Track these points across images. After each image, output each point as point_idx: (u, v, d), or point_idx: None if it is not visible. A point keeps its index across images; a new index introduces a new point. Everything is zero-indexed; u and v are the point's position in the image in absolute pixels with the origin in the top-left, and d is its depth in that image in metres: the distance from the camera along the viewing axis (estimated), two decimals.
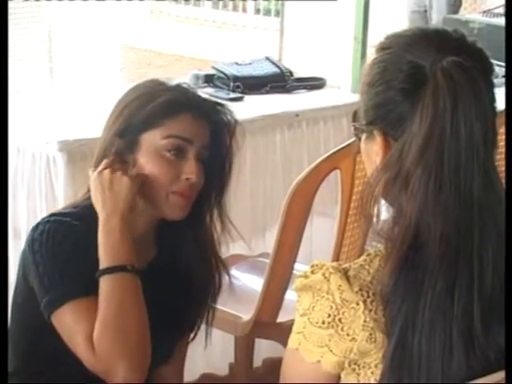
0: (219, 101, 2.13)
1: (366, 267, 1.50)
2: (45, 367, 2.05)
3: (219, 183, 2.07)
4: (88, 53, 8.52)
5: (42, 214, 3.08)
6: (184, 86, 2.08)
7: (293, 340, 1.54)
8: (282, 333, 2.86)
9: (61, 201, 3.06)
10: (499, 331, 1.46)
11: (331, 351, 1.48)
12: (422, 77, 1.47)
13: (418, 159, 1.44)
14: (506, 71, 1.97)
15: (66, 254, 1.91)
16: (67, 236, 1.92)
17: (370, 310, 1.46)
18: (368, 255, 1.52)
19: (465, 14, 6.71)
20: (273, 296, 2.80)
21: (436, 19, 7.04)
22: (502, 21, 5.31)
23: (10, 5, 8.32)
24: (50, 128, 3.31)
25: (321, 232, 3.44)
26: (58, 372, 2.03)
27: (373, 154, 1.55)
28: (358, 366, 1.49)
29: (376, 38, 1.65)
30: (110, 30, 8.80)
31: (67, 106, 3.72)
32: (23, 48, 8.31)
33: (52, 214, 2.01)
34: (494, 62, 3.18)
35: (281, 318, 2.86)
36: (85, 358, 1.87)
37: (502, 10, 5.88)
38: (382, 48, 1.56)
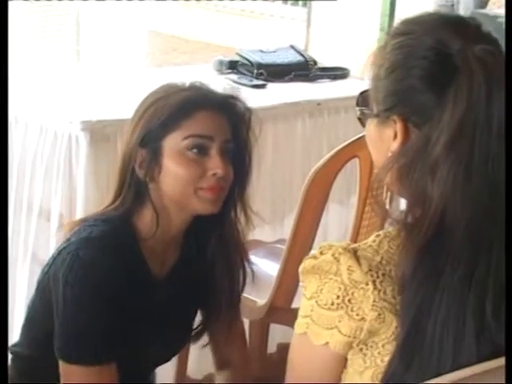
0: (233, 93, 2.10)
1: (375, 248, 1.49)
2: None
3: (240, 177, 2.06)
4: (115, 37, 8.52)
5: (56, 194, 3.13)
6: (197, 84, 2.05)
7: (300, 324, 1.54)
8: (296, 318, 2.87)
9: (79, 181, 3.07)
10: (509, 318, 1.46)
11: (340, 332, 1.48)
12: (448, 64, 1.45)
13: (449, 148, 1.42)
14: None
15: (94, 313, 1.90)
16: (112, 281, 1.90)
17: (380, 291, 1.45)
18: (377, 236, 1.51)
19: (493, 8, 6.65)
20: (288, 281, 2.80)
21: (463, 13, 7.00)
22: None
23: None
24: (73, 108, 3.30)
25: (337, 220, 3.44)
26: None
27: (386, 137, 1.53)
28: (366, 345, 1.48)
29: None
30: (138, 16, 8.80)
31: (92, 88, 3.71)
32: (51, 30, 8.32)
33: (93, 235, 1.95)
34: None
35: (296, 304, 2.84)
36: None
37: None
38: (401, 33, 1.53)
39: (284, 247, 2.84)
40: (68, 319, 1.91)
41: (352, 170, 2.77)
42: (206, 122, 1.97)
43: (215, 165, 1.94)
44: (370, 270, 1.46)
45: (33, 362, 2.11)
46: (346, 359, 1.52)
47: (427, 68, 1.47)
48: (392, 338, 1.46)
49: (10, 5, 8.04)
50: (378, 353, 1.48)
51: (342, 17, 8.26)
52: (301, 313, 1.55)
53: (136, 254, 2.00)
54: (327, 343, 1.49)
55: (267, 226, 3.49)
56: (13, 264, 3.27)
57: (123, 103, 3.21)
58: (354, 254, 1.48)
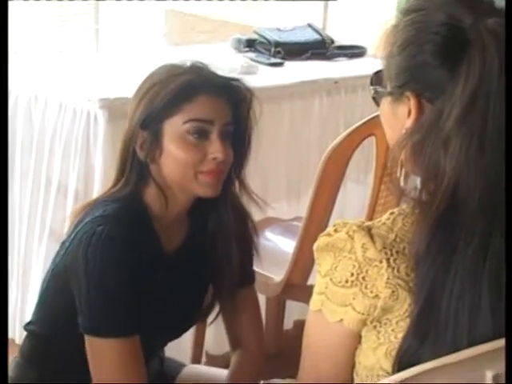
0: (234, 76, 2.08)
1: (389, 225, 1.49)
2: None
3: (239, 157, 2.06)
4: (133, 16, 8.53)
5: (74, 170, 3.14)
6: (198, 65, 2.03)
7: (315, 302, 1.54)
8: (312, 295, 2.87)
9: (97, 159, 3.09)
10: None
11: (354, 309, 1.47)
12: (461, 38, 1.43)
13: (462, 121, 1.41)
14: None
15: (120, 280, 1.91)
16: (129, 255, 1.91)
17: (393, 268, 1.45)
18: (391, 214, 1.51)
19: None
20: (304, 258, 2.78)
21: None
22: None
23: None
24: (92, 86, 3.31)
25: (354, 198, 3.43)
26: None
27: (400, 115, 1.52)
28: (380, 322, 1.48)
29: None
30: None
31: (110, 67, 3.72)
32: (69, 9, 8.33)
33: (107, 213, 1.96)
34: None
35: (311, 281, 2.84)
36: None
37: None
38: (413, 10, 1.52)
39: (300, 225, 2.83)
40: (92, 294, 1.90)
41: (369, 149, 2.76)
42: (206, 106, 1.96)
43: (215, 149, 1.94)
44: (384, 248, 1.46)
45: (47, 339, 2.11)
46: (360, 336, 1.52)
47: (440, 43, 1.45)
48: (405, 316, 1.46)
49: None
50: (392, 330, 1.47)
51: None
52: (316, 290, 1.54)
53: (148, 229, 2.01)
54: (342, 320, 1.49)
55: (284, 204, 3.50)
56: (30, 240, 3.30)
57: (122, 84, 3.24)
58: (369, 232, 1.47)
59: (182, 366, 2.35)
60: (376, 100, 1.62)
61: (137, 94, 2.01)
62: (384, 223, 1.49)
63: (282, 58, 3.84)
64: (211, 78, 2.01)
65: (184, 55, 3.94)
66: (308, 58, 3.90)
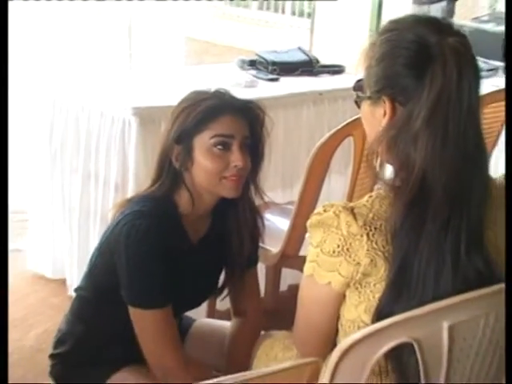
0: (250, 99, 2.10)
1: (369, 206, 1.49)
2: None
3: (255, 164, 2.06)
4: (160, 42, 8.52)
5: (114, 166, 3.14)
6: (221, 91, 2.05)
7: (308, 268, 1.55)
8: (303, 263, 2.86)
9: (131, 157, 3.08)
10: (478, 257, 1.47)
11: (340, 274, 1.48)
12: (427, 53, 1.45)
13: (427, 121, 1.43)
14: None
15: (155, 262, 1.92)
16: (158, 241, 1.93)
17: (372, 241, 1.45)
18: (370, 197, 1.51)
19: (459, 20, 6.55)
20: (296, 234, 2.78)
21: None
22: (487, 26, 5.22)
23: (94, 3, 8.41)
24: (126, 98, 3.30)
25: (336, 186, 3.43)
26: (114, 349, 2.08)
27: (378, 117, 1.52)
28: (360, 285, 1.49)
29: None
30: (177, 24, 8.80)
31: (141, 82, 3.70)
32: (105, 37, 8.33)
33: (144, 209, 1.97)
34: (480, 58, 3.14)
35: (302, 252, 2.85)
36: (161, 362, 1.95)
37: (487, 18, 5.76)
38: (388, 30, 1.53)
39: (293, 207, 2.82)
40: (132, 274, 1.93)
41: (348, 146, 2.75)
42: (228, 123, 1.97)
43: (236, 158, 1.96)
44: (365, 225, 1.46)
45: (91, 302, 2.12)
46: (344, 295, 1.52)
47: (409, 57, 1.47)
48: (381, 279, 1.46)
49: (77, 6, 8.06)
50: (370, 291, 1.48)
51: (338, 25, 8.24)
52: (308, 258, 1.55)
53: (177, 223, 2.02)
54: (330, 283, 1.50)
55: (280, 191, 3.50)
56: (86, 225, 3.31)
57: (166, 93, 3.24)
58: (352, 212, 1.47)
59: (193, 320, 2.36)
60: (357, 103, 1.61)
61: (172, 115, 2.02)
62: (364, 204, 1.49)
63: (278, 75, 3.83)
64: (231, 101, 2.02)
65: (200, 72, 3.96)
66: (298, 75, 3.88)
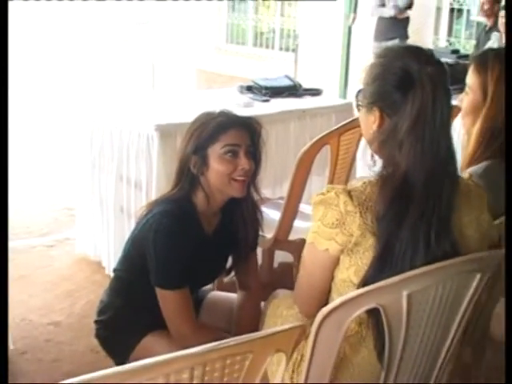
0: (249, 115, 2.09)
1: (362, 190, 1.49)
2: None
3: (256, 169, 2.04)
4: (176, 74, 8.54)
5: (142, 171, 3.10)
6: (225, 111, 2.03)
7: (309, 237, 1.54)
8: (291, 246, 2.86)
9: (154, 164, 3.06)
10: (446, 241, 1.47)
11: (336, 242, 1.48)
12: (410, 78, 1.47)
13: (410, 131, 1.45)
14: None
15: (177, 253, 1.91)
16: (179, 236, 1.91)
17: (363, 218, 1.45)
18: (364, 183, 1.51)
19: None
20: (286, 223, 2.77)
21: None
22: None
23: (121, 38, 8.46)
24: (149, 117, 3.27)
25: (317, 185, 3.40)
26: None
27: (370, 122, 1.55)
28: (352, 251, 1.48)
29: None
30: (190, 59, 8.83)
31: (160, 104, 3.67)
32: (132, 72, 8.33)
33: (168, 209, 1.96)
34: None
35: (291, 237, 2.84)
36: (179, 330, 1.95)
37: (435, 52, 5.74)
38: (382, 56, 1.56)
39: (283, 202, 2.79)
40: (159, 262, 1.92)
41: (326, 153, 2.74)
42: (235, 135, 1.96)
43: (243, 162, 1.95)
44: (359, 205, 1.46)
45: (125, 281, 2.11)
46: (338, 259, 1.52)
47: (396, 80, 1.49)
48: (368, 249, 1.47)
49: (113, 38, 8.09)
50: (359, 257, 1.48)
51: (316, 57, 8.26)
52: (311, 230, 1.54)
53: (195, 220, 2.00)
54: (327, 249, 1.50)
55: (271, 188, 3.49)
56: (119, 217, 3.29)
57: (181, 113, 3.23)
58: (349, 193, 1.47)
59: (207, 291, 2.33)
60: (358, 108, 1.61)
61: (187, 133, 2.02)
62: (359, 189, 1.49)
63: (269, 97, 3.79)
64: (235, 118, 2.02)
65: (207, 96, 3.94)
66: (285, 97, 3.85)
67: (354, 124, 2.79)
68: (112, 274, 3.25)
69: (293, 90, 3.90)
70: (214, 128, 1.96)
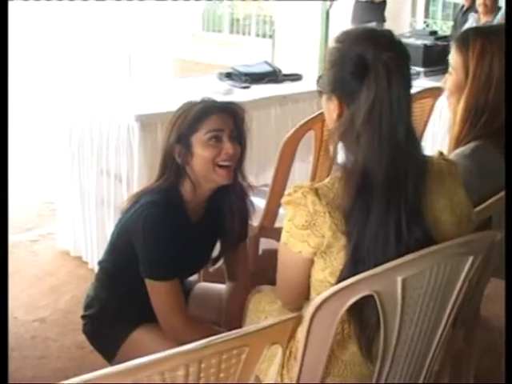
0: (231, 100, 2.06)
1: (330, 187, 1.43)
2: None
3: (241, 154, 2.00)
4: (153, 63, 8.45)
5: (123, 163, 3.04)
6: (206, 99, 2.00)
7: (283, 237, 1.49)
8: (277, 233, 2.81)
9: (135, 154, 3.01)
10: (417, 229, 1.42)
11: (309, 245, 1.43)
12: (365, 65, 1.40)
13: (366, 122, 1.39)
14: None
15: (166, 243, 1.87)
16: (168, 226, 1.87)
17: (333, 217, 1.40)
18: (331, 179, 1.45)
19: None
20: (271, 210, 2.73)
21: None
22: (409, 40, 5.20)
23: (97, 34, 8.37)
24: (129, 107, 3.21)
25: (302, 171, 3.37)
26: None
27: (331, 110, 1.48)
28: (325, 253, 1.44)
29: None
30: (167, 48, 8.74)
31: (139, 94, 3.61)
32: (109, 62, 8.24)
33: (155, 199, 1.91)
34: None
35: (276, 225, 2.80)
36: (170, 322, 1.91)
37: (409, 34, 5.72)
38: (338, 41, 1.49)
39: (267, 189, 2.75)
40: (149, 253, 1.89)
41: (310, 138, 2.70)
42: (217, 120, 1.92)
43: (227, 146, 1.92)
44: (327, 204, 1.41)
45: (112, 273, 2.07)
46: (312, 260, 1.47)
47: (352, 66, 1.42)
48: (342, 249, 1.42)
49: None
50: (334, 258, 1.43)
51: (292, 42, 8.22)
52: (284, 229, 1.49)
53: (182, 209, 1.96)
54: (300, 252, 1.45)
55: (254, 175, 3.43)
56: (100, 211, 3.23)
57: (162, 102, 3.19)
58: (316, 193, 1.41)
59: (193, 283, 2.29)
60: (320, 94, 1.54)
61: (170, 122, 1.97)
62: (326, 185, 1.44)
63: (249, 83, 3.74)
64: (217, 104, 1.98)
65: (186, 84, 3.88)
66: (266, 83, 3.79)
67: None
68: (96, 268, 3.29)
69: (273, 76, 3.85)
70: (195, 115, 1.92)
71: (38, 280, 3.28)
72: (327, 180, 1.45)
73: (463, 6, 6.06)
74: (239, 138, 1.98)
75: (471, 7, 5.80)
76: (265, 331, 1.12)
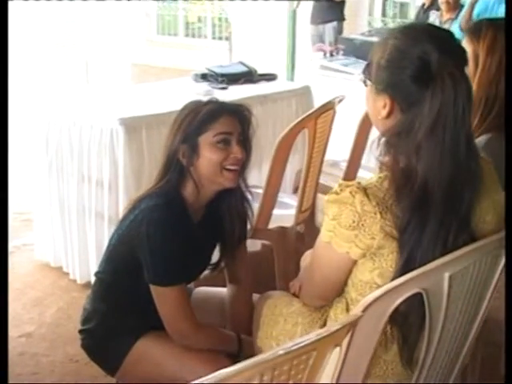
0: (239, 103, 1.97)
1: (379, 187, 1.36)
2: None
3: (246, 159, 1.93)
4: (110, 68, 8.32)
5: (105, 168, 2.93)
6: (213, 99, 1.94)
7: (325, 235, 1.41)
8: (271, 235, 2.78)
9: (120, 158, 2.90)
10: (464, 234, 1.37)
11: (357, 246, 1.36)
12: (428, 71, 1.34)
13: (429, 134, 1.32)
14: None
15: (172, 248, 1.80)
16: (172, 230, 1.79)
17: (385, 219, 1.34)
18: (379, 177, 1.38)
19: (347, 34, 6.53)
20: (266, 211, 2.68)
21: (328, 39, 6.84)
22: (372, 38, 5.23)
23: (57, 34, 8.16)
24: (111, 110, 3.11)
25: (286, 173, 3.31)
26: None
27: (379, 106, 1.42)
28: (375, 255, 1.38)
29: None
30: (123, 53, 8.62)
31: (117, 97, 3.49)
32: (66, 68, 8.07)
33: (158, 203, 1.82)
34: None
35: (270, 226, 2.76)
36: (180, 329, 1.84)
37: (372, 32, 5.75)
38: (396, 37, 1.41)
39: (257, 191, 2.67)
40: (154, 258, 1.80)
41: (303, 137, 2.66)
42: (227, 123, 1.86)
43: (236, 151, 1.86)
44: (378, 204, 1.34)
45: (110, 284, 1.98)
46: (356, 261, 1.41)
47: (413, 70, 1.36)
48: (393, 251, 1.36)
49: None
50: (384, 259, 1.37)
51: (250, 43, 8.21)
52: (325, 227, 1.41)
53: (184, 211, 1.88)
54: (348, 252, 1.38)
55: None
56: (82, 219, 3.12)
57: (144, 105, 3.11)
58: (365, 192, 1.35)
59: (191, 288, 2.21)
60: (365, 83, 1.48)
61: (175, 122, 1.89)
62: (375, 185, 1.36)
63: (226, 84, 3.67)
64: (226, 105, 1.92)
65: (163, 87, 3.77)
66: (242, 83, 3.73)
67: (327, 106, 2.73)
68: (79, 279, 3.18)
69: (249, 76, 3.78)
70: (204, 116, 1.85)
71: (20, 294, 3.14)
72: (374, 179, 1.38)
73: (424, 5, 6.11)
74: (245, 141, 1.92)
75: (432, 5, 5.85)
76: (332, 335, 1.07)
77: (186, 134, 1.86)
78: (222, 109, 1.88)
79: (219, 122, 1.85)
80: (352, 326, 1.13)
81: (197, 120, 1.85)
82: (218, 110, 1.87)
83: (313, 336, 1.03)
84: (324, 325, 1.58)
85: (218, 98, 1.96)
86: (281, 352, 0.98)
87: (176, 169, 1.88)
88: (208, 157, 1.85)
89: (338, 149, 3.20)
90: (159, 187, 1.89)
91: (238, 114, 1.90)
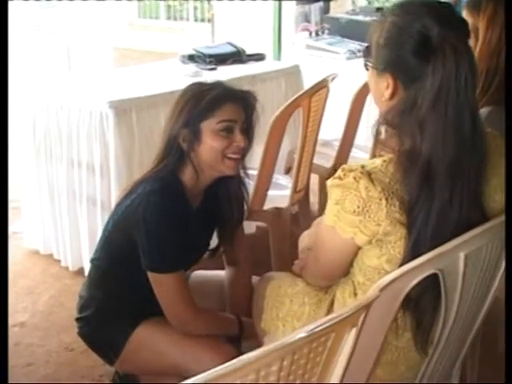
0: (244, 89, 1.90)
1: (384, 171, 1.31)
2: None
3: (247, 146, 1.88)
4: (92, 52, 8.19)
5: (96, 152, 2.86)
6: (219, 82, 1.87)
7: (329, 219, 1.35)
8: (266, 216, 2.73)
9: (112, 145, 2.82)
10: (476, 214, 1.33)
11: (362, 232, 1.31)
12: (429, 45, 1.29)
13: (431, 110, 1.27)
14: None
15: (170, 233, 1.74)
16: (170, 215, 1.73)
17: (391, 205, 1.28)
18: (384, 161, 1.32)
19: (333, 13, 6.45)
20: (261, 192, 2.63)
21: (314, 18, 6.75)
22: (358, 17, 5.15)
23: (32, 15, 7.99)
24: (100, 92, 3.01)
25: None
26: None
27: (382, 87, 1.37)
28: (381, 241, 1.33)
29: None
30: (105, 37, 8.48)
31: (106, 80, 3.40)
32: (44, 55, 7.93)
33: (155, 188, 1.76)
34: (356, 42, 3.07)
35: (265, 207, 2.71)
36: (179, 316, 1.80)
37: (357, 11, 5.67)
38: (394, 14, 1.36)
39: (252, 172, 2.63)
40: (152, 244, 1.74)
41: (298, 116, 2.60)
42: (231, 110, 1.80)
43: (239, 139, 1.80)
44: (383, 190, 1.29)
45: (106, 270, 1.92)
46: (360, 247, 1.37)
47: (413, 45, 1.31)
48: (400, 237, 1.31)
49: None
50: (391, 246, 1.32)
51: (233, 25, 8.09)
52: (329, 211, 1.35)
53: (182, 196, 1.82)
54: (353, 238, 1.33)
55: None
56: (72, 205, 3.03)
57: (133, 88, 3.03)
58: (369, 177, 1.29)
59: (189, 272, 2.13)
60: (366, 67, 1.42)
61: (177, 105, 1.83)
62: (380, 169, 1.31)
63: (215, 65, 3.57)
64: (232, 91, 1.84)
65: (150, 69, 3.67)
66: (231, 63, 3.63)
67: (321, 85, 2.66)
68: (71, 266, 3.11)
69: (237, 57, 3.69)
70: (209, 101, 1.78)
71: (10, 283, 3.05)
72: (379, 162, 1.33)
73: None
74: (248, 129, 1.86)
75: None
76: (350, 317, 1.04)
77: (187, 118, 1.79)
78: (227, 95, 1.82)
79: (223, 109, 1.79)
80: (367, 307, 1.08)
81: (200, 105, 1.78)
82: (223, 97, 1.80)
83: (331, 318, 0.99)
84: (331, 305, 1.54)
85: (223, 81, 1.89)
86: (302, 335, 0.95)
87: (176, 153, 1.82)
88: (210, 144, 1.79)
89: (327, 128, 3.15)
90: (157, 171, 1.83)
91: (243, 101, 1.84)
